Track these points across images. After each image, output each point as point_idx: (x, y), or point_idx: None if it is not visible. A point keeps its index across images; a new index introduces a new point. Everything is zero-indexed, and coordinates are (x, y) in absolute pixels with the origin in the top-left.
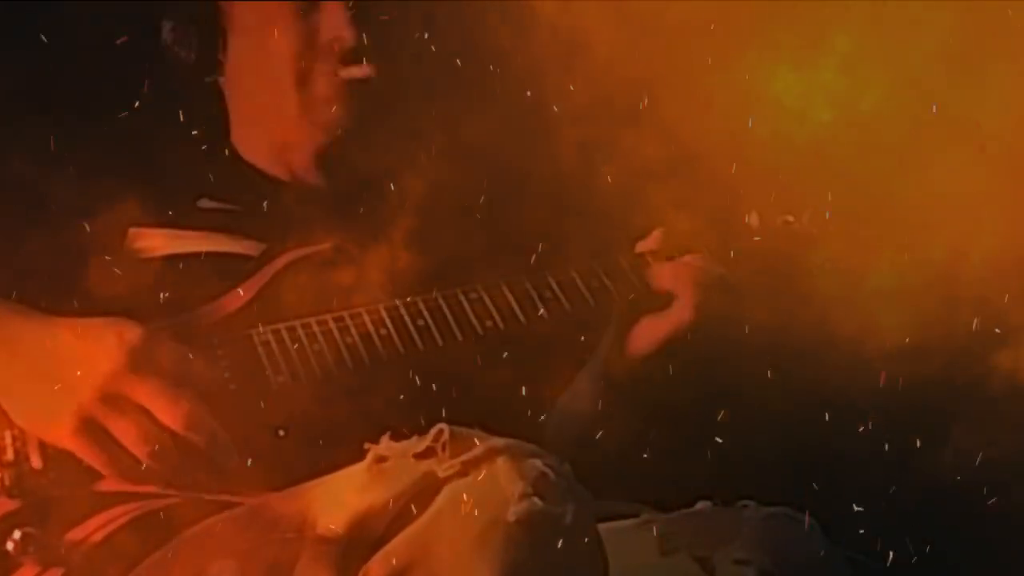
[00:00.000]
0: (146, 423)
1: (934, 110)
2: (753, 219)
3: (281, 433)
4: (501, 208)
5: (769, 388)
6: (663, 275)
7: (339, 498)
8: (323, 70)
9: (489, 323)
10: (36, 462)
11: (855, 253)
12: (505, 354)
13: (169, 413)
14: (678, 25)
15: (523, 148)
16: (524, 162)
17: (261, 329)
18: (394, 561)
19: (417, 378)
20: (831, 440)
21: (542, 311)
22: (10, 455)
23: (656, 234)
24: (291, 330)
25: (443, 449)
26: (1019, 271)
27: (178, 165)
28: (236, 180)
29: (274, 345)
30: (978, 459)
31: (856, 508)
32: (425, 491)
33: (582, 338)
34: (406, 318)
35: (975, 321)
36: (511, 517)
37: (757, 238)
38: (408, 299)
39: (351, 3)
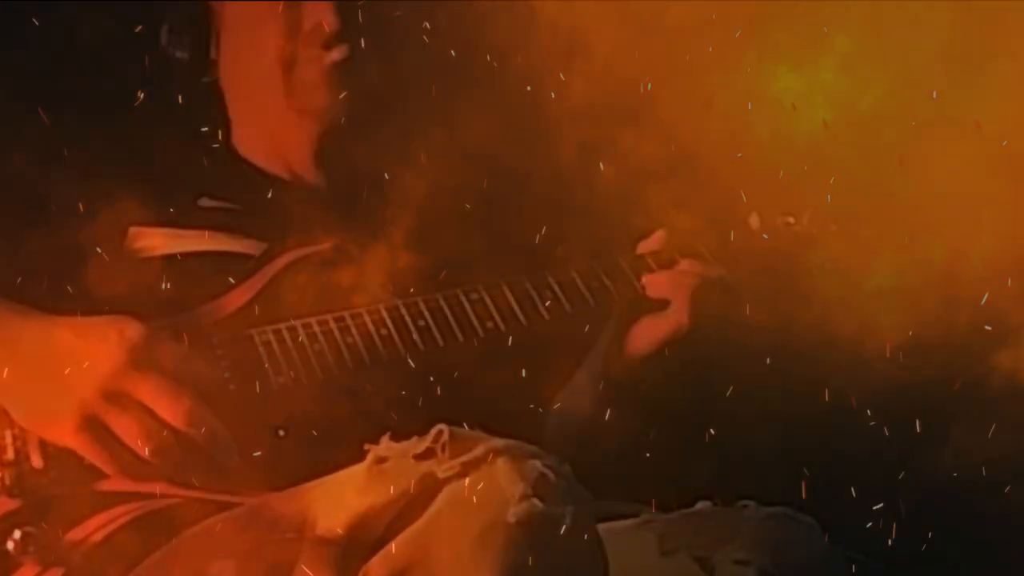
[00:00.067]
0: (148, 420)
1: (934, 96)
2: (754, 220)
3: (281, 433)
4: (501, 208)
5: (769, 388)
6: (659, 285)
7: (339, 499)
8: (307, 56)
9: (490, 324)
10: (36, 461)
11: (855, 253)
12: (505, 354)
13: (171, 410)
14: (678, 25)
15: (523, 148)
16: (524, 162)
17: (262, 329)
18: (394, 562)
19: (418, 378)
20: (831, 440)
21: (543, 312)
22: (10, 454)
23: (658, 235)
24: (291, 330)
25: (443, 450)
26: (1019, 271)
27: (178, 164)
28: (236, 179)
29: (275, 345)
30: (978, 459)
31: (856, 508)
32: (425, 492)
33: (582, 339)
34: (407, 318)
35: (975, 319)
36: (511, 518)
37: (758, 238)
38: (409, 299)
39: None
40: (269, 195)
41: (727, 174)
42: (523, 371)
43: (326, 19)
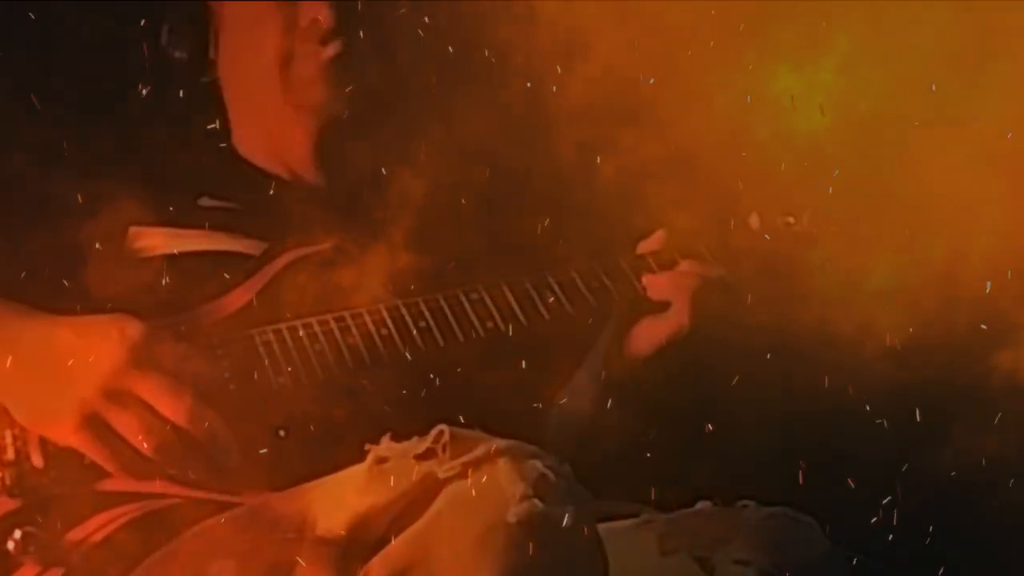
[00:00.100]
0: (149, 417)
1: (933, 88)
2: (754, 220)
3: (282, 433)
4: (501, 208)
5: (769, 388)
6: (660, 287)
7: (340, 499)
8: (304, 52)
9: (490, 324)
10: (37, 461)
11: (855, 253)
12: (506, 354)
13: (172, 407)
14: (678, 25)
15: (523, 147)
16: (524, 161)
17: (262, 329)
18: (394, 562)
19: (418, 378)
20: (831, 440)
21: (543, 312)
22: (11, 454)
23: (658, 235)
24: (292, 330)
25: (443, 450)
26: (1019, 271)
27: (178, 164)
28: (236, 179)
29: (275, 345)
30: (978, 459)
31: (856, 508)
32: (425, 492)
33: (583, 338)
34: (407, 318)
35: (981, 325)
36: (511, 518)
37: (758, 238)
38: (409, 299)
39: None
40: (271, 193)
41: (727, 174)
42: (524, 371)
43: (321, 14)
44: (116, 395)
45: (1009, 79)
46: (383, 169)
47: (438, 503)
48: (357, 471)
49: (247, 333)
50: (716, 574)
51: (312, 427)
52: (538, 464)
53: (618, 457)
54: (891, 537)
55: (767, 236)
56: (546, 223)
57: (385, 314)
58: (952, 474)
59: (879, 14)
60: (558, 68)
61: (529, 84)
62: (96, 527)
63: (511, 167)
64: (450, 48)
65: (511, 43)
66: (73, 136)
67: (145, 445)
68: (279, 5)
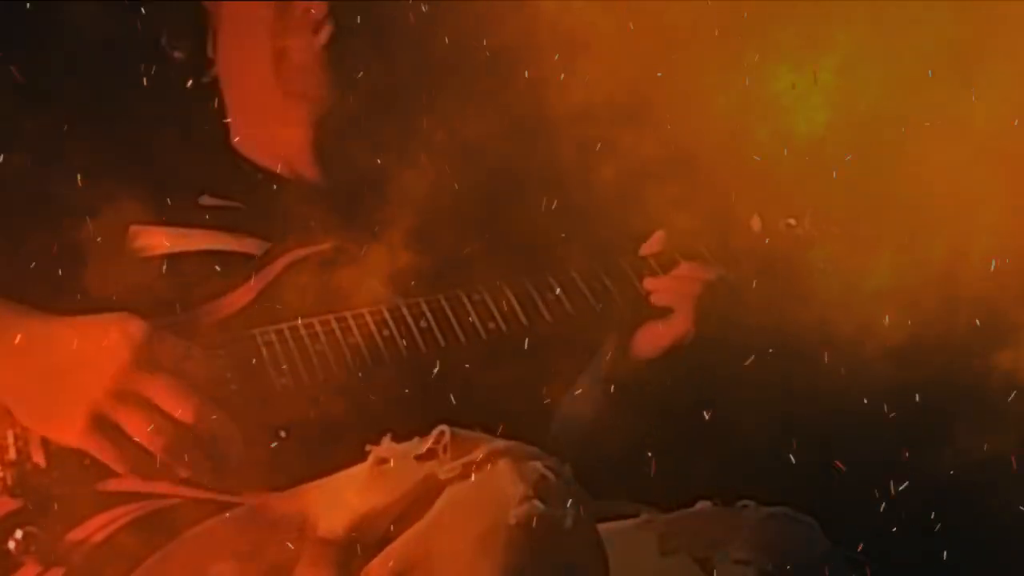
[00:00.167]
0: (158, 417)
1: (929, 75)
2: (755, 222)
3: (283, 434)
4: (501, 208)
5: (770, 388)
6: (662, 291)
7: (340, 499)
8: (298, 43)
9: (492, 325)
10: (39, 460)
11: (855, 253)
12: (507, 355)
13: (180, 406)
14: (678, 25)
15: (523, 148)
16: (524, 162)
17: (263, 329)
18: (395, 563)
19: (419, 379)
20: (831, 440)
21: (544, 312)
22: (12, 454)
23: (657, 236)
24: (293, 330)
25: (444, 451)
26: (1019, 271)
27: (178, 163)
28: (237, 177)
29: (277, 345)
30: (978, 459)
31: (856, 508)
32: (426, 493)
33: (584, 339)
34: (409, 319)
35: (976, 321)
36: (512, 520)
37: (760, 240)
38: (411, 300)
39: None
40: (272, 190)
41: (728, 175)
42: (525, 371)
43: (314, 6)
44: (123, 396)
45: (1009, 79)
46: (383, 168)
47: (439, 504)
48: (358, 472)
49: (249, 333)
50: (716, 574)
51: (313, 427)
52: (539, 465)
53: (619, 457)
54: (891, 537)
55: (768, 239)
56: (545, 226)
57: (387, 314)
58: (952, 475)
59: (879, 14)
60: (558, 67)
61: (529, 84)
62: (97, 527)
63: (511, 167)
64: (450, 48)
65: (511, 43)
66: (73, 134)
67: (156, 446)
68: (275, 4)
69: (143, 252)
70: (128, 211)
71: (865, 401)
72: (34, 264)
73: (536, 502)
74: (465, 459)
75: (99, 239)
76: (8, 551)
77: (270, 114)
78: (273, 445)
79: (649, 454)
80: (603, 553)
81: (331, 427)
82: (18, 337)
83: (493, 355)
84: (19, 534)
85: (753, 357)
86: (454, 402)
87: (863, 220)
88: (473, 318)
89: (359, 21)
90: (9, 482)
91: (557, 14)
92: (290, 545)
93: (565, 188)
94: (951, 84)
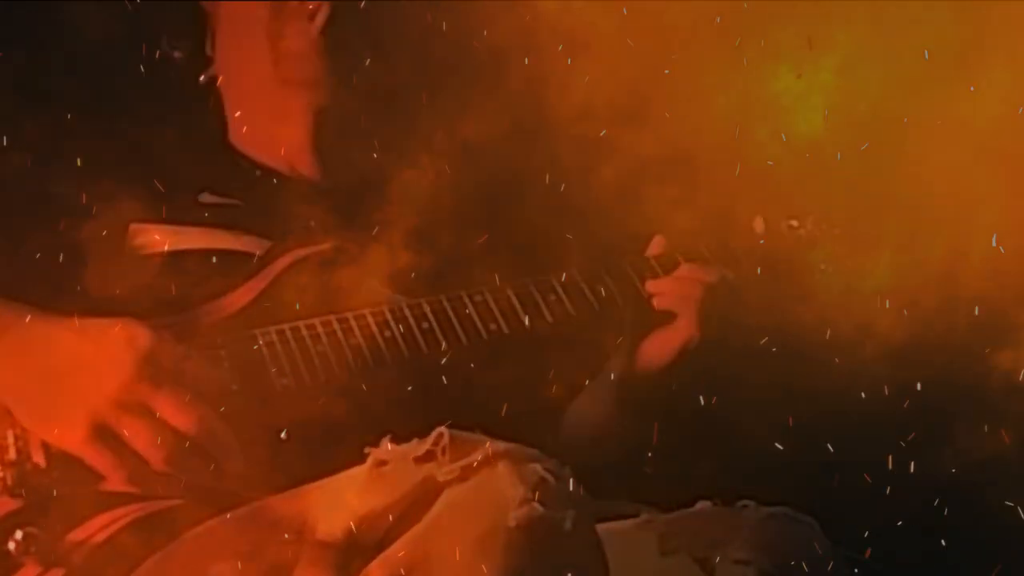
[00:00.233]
0: (158, 427)
1: (926, 56)
2: (758, 224)
3: (283, 436)
4: (501, 208)
5: (770, 388)
6: (664, 294)
7: (339, 501)
8: (294, 30)
9: (493, 326)
10: (39, 461)
11: (855, 253)
12: (508, 356)
13: (182, 417)
14: (678, 25)
15: (524, 148)
16: (525, 162)
17: (265, 329)
18: (393, 566)
19: (420, 380)
20: (831, 440)
21: (546, 313)
22: (12, 454)
23: (657, 240)
24: (295, 330)
25: (443, 453)
26: (1020, 271)
27: (178, 161)
28: (236, 174)
29: (278, 345)
30: (978, 459)
31: (856, 508)
32: (425, 495)
33: (585, 340)
34: (410, 320)
35: (976, 310)
36: (511, 522)
37: (761, 242)
38: (413, 301)
39: None
40: (271, 188)
41: (729, 175)
42: (526, 372)
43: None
44: (125, 404)
45: (1009, 79)
46: (383, 168)
47: (438, 506)
48: (357, 474)
49: (250, 333)
50: (716, 574)
51: (314, 428)
52: (538, 468)
53: (620, 458)
54: (891, 537)
55: (765, 240)
56: (546, 226)
57: (388, 315)
58: (952, 475)
59: (879, 14)
60: (558, 67)
61: (529, 84)
62: (98, 528)
63: (512, 167)
64: (449, 48)
65: (511, 43)
66: (73, 135)
67: (155, 457)
68: (271, 4)
69: (143, 250)
70: (128, 209)
71: (865, 401)
72: (34, 264)
73: (536, 504)
74: (464, 461)
75: (99, 238)
76: (8, 552)
77: (269, 111)
78: (273, 448)
79: (649, 454)
80: (603, 555)
81: (332, 428)
82: (18, 337)
83: (494, 355)
84: (19, 534)
85: (754, 357)
86: (455, 403)
87: (863, 220)
88: (475, 319)
89: (362, 19)
90: (9, 482)
91: (557, 14)
92: (289, 546)
93: (567, 189)
94: (951, 84)
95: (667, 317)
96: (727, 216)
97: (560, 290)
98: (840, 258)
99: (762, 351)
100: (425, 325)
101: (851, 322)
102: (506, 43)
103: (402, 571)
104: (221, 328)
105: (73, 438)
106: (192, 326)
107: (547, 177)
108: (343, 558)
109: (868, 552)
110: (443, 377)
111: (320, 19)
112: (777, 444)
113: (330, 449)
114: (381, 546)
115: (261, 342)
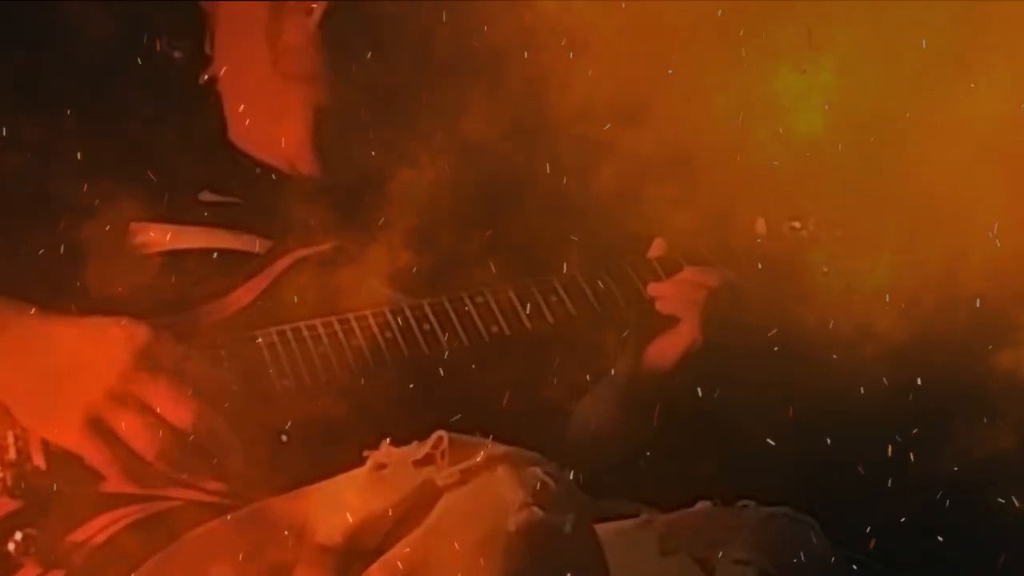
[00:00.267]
0: (155, 423)
1: (923, 45)
2: (760, 225)
3: (284, 438)
4: (502, 208)
5: (770, 388)
6: (666, 298)
7: (339, 504)
8: (292, 24)
9: (495, 328)
10: (39, 461)
11: (855, 253)
12: (508, 357)
13: (179, 414)
14: (678, 25)
15: (524, 148)
16: (525, 162)
17: (266, 330)
18: (394, 569)
19: (421, 382)
20: (832, 440)
21: (547, 315)
22: (12, 454)
23: (657, 243)
24: (296, 331)
25: (442, 457)
26: (1019, 271)
27: (178, 160)
28: (237, 173)
29: (279, 346)
30: (978, 459)
31: (856, 508)
32: (425, 499)
33: (586, 342)
34: (412, 322)
35: (975, 318)
36: (511, 526)
37: (764, 243)
38: (414, 302)
39: None
40: (271, 186)
41: (730, 175)
42: (526, 373)
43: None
44: (122, 400)
45: (1009, 79)
46: (383, 168)
47: (437, 510)
48: (357, 476)
49: (251, 334)
50: (716, 574)
51: (315, 429)
52: (538, 471)
53: (620, 459)
54: (891, 537)
55: (761, 240)
56: (547, 227)
57: (389, 316)
58: (952, 475)
59: (879, 14)
60: (558, 67)
61: (530, 88)
62: (98, 529)
63: (512, 166)
64: (449, 47)
65: (511, 43)
66: (73, 135)
67: (150, 453)
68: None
69: (143, 249)
70: (128, 208)
71: (865, 401)
72: (34, 263)
73: (535, 508)
74: (463, 465)
75: (99, 237)
76: (8, 553)
77: (269, 109)
78: (273, 449)
79: (648, 454)
80: (603, 558)
81: (333, 428)
82: (18, 336)
83: (496, 356)
84: (19, 536)
85: (754, 357)
86: (455, 404)
87: (863, 220)
88: (476, 320)
89: (361, 19)
90: (9, 483)
91: (557, 14)
92: (289, 547)
93: (568, 189)
94: (951, 84)
95: (670, 320)
96: (728, 216)
97: (561, 291)
98: (841, 258)
99: (763, 352)
100: (426, 326)
101: (851, 322)
102: (506, 43)
103: (402, 574)
104: (221, 328)
105: (71, 433)
106: (192, 326)
107: (547, 177)
108: (343, 562)
109: (872, 544)
110: (444, 378)
111: (317, 14)
112: (777, 444)
113: (331, 450)
114: (381, 549)
115: (261, 342)
